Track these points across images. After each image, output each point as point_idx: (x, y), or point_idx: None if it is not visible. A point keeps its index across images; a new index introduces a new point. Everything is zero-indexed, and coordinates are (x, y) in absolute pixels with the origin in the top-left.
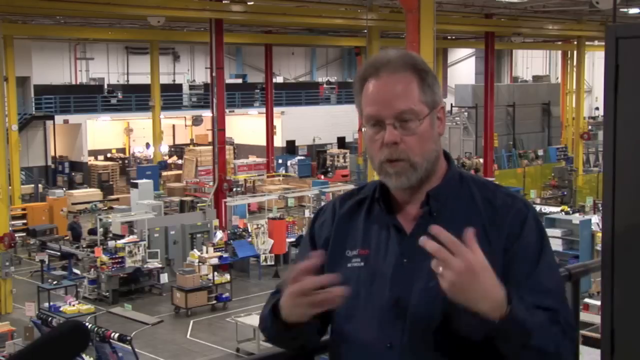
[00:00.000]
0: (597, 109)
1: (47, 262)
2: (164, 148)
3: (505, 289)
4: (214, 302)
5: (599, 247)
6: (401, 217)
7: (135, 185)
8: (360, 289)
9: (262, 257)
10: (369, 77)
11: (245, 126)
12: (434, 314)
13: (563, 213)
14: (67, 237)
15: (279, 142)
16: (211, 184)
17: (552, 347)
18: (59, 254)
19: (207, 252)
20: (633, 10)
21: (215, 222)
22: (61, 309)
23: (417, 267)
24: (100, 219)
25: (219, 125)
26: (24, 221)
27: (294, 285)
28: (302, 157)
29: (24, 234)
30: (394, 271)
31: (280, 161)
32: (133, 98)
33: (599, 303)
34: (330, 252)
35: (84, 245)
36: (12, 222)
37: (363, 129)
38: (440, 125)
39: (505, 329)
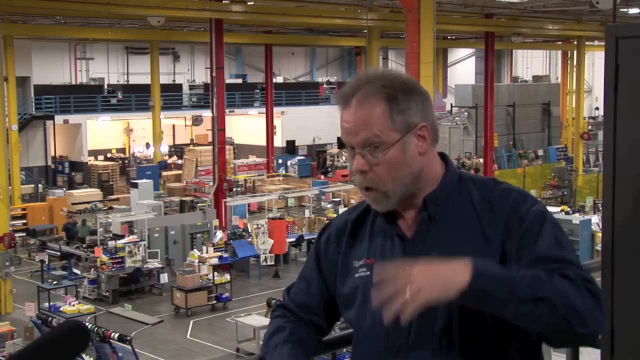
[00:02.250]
0: (597, 109)
1: (47, 262)
2: (164, 148)
3: (469, 258)
4: (214, 302)
5: (599, 247)
6: (402, 223)
7: (135, 185)
8: (368, 297)
9: (262, 257)
10: (343, 104)
11: (245, 126)
12: (438, 318)
13: (563, 213)
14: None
15: (279, 142)
16: (211, 184)
17: (560, 299)
18: (59, 254)
19: (207, 252)
20: (633, 10)
21: (215, 222)
22: (61, 309)
23: None
24: (84, 222)
25: (219, 125)
26: (24, 221)
27: None
28: (302, 157)
29: (24, 234)
30: None
31: (280, 161)
32: (133, 98)
33: None
34: (340, 265)
35: (83, 245)
36: (12, 222)
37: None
38: (422, 144)
39: (479, 290)
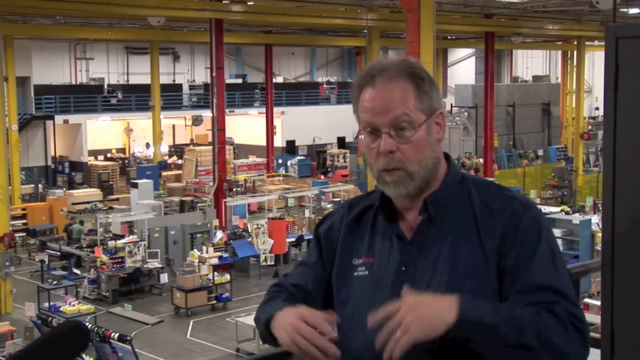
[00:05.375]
0: (597, 109)
1: (47, 262)
2: (164, 148)
3: (457, 295)
4: (214, 302)
5: (599, 247)
6: (403, 224)
7: (135, 185)
8: (365, 297)
9: (262, 257)
10: (365, 85)
11: (245, 126)
12: None
13: (563, 213)
14: (64, 239)
15: (279, 142)
16: (211, 184)
17: (543, 345)
18: (59, 254)
19: (207, 252)
20: (633, 10)
21: (215, 222)
22: (61, 309)
23: (416, 275)
24: (82, 222)
25: (219, 125)
26: (24, 221)
27: (297, 329)
28: (302, 157)
29: (24, 234)
30: (394, 279)
31: (280, 161)
32: (133, 98)
33: (599, 303)
34: (338, 260)
35: (83, 245)
36: (12, 222)
37: (360, 136)
38: (439, 131)
39: (462, 331)
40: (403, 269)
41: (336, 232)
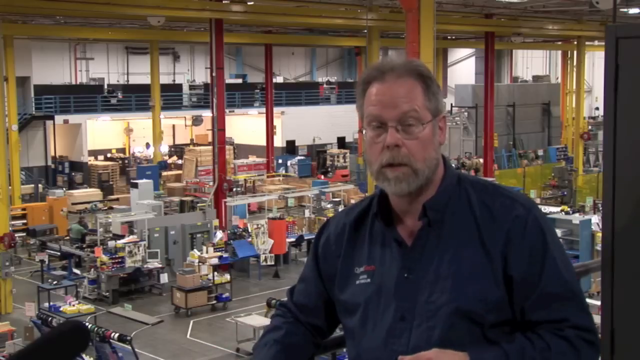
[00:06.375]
0: (597, 109)
1: (47, 262)
2: (164, 148)
3: (468, 351)
4: (214, 302)
5: (599, 247)
6: (401, 229)
7: (135, 185)
8: (369, 305)
9: (262, 257)
10: (373, 80)
11: (245, 126)
12: (437, 327)
13: (563, 213)
14: (67, 237)
15: (279, 142)
16: (211, 184)
17: None
18: (59, 254)
19: (207, 252)
20: (633, 10)
21: (215, 222)
22: (61, 309)
23: (419, 280)
24: (81, 222)
25: (219, 125)
26: (24, 221)
27: None
28: (302, 157)
29: (24, 234)
30: (397, 286)
31: (280, 161)
32: (133, 98)
33: (599, 303)
34: (340, 270)
35: (83, 246)
36: (12, 222)
37: (363, 131)
38: (441, 135)
39: None
40: (405, 275)
41: (332, 246)
